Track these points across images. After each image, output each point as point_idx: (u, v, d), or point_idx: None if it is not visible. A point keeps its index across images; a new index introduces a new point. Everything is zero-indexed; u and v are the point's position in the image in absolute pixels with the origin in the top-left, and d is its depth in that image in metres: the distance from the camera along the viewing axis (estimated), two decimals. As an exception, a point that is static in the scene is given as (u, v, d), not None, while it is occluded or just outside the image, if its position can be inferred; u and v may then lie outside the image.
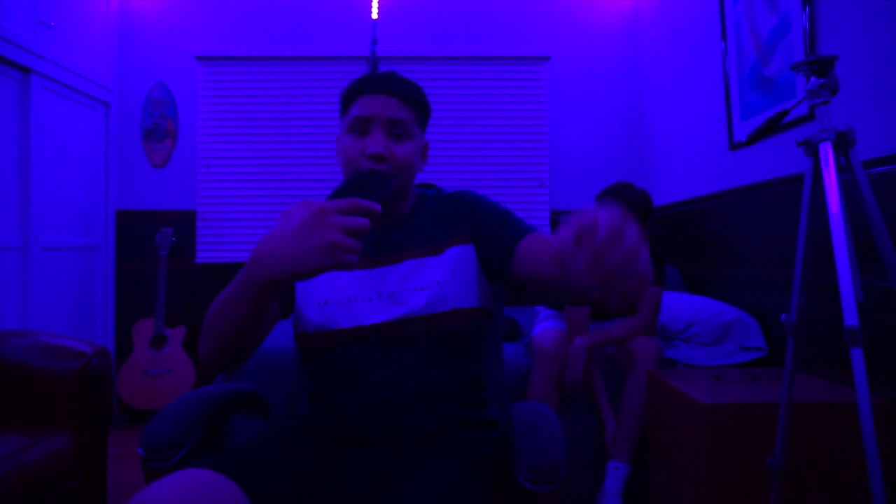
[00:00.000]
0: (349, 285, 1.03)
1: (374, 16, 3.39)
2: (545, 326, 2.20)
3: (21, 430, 1.47)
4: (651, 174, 3.29)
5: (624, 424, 1.97)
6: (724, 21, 2.42)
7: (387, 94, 1.01)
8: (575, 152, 3.46)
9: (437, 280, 1.02)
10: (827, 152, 1.17)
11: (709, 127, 2.60)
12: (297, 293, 1.05)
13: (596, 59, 3.47)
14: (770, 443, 1.36)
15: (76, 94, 3.03)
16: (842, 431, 1.42)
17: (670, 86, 3.06)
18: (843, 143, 1.18)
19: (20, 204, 2.62)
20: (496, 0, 3.47)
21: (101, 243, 3.28)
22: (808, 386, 1.61)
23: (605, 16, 3.48)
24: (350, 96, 1.04)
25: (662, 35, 3.16)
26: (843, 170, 1.19)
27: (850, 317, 1.07)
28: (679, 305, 2.25)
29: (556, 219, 3.40)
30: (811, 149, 1.23)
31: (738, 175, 2.34)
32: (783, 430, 1.29)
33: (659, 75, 3.21)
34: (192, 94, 3.42)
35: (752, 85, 2.21)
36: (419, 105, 1.05)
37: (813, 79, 1.20)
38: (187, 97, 3.43)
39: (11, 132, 2.57)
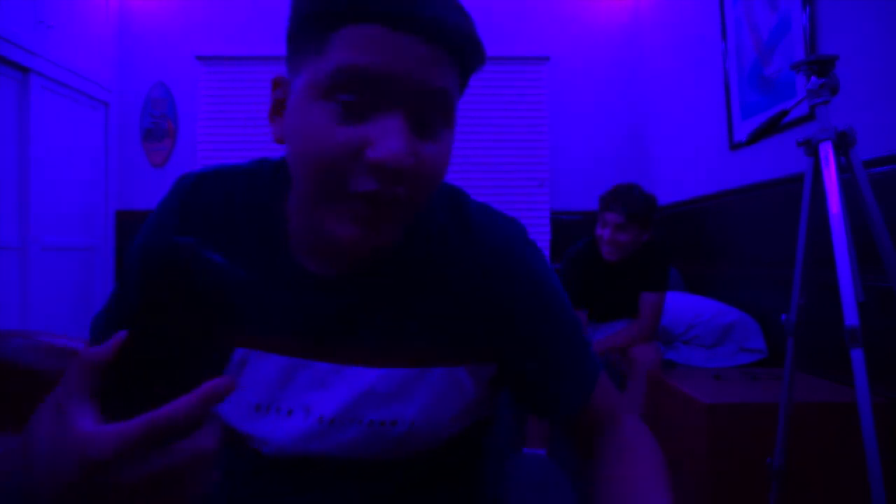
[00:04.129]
0: (266, 380, 0.58)
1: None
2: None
3: (21, 430, 1.47)
4: (651, 174, 3.29)
5: None
6: (724, 21, 2.42)
7: (429, 35, 0.47)
8: (575, 152, 3.46)
9: (413, 419, 0.58)
10: (827, 152, 1.17)
11: (709, 127, 2.60)
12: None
13: (596, 59, 3.47)
14: (770, 443, 1.36)
15: (76, 94, 3.03)
16: (842, 431, 1.42)
17: (670, 86, 3.06)
18: (843, 143, 1.18)
19: (19, 204, 2.62)
20: (496, 0, 3.47)
21: (100, 243, 3.28)
22: (808, 386, 1.61)
23: (605, 16, 3.48)
24: (338, 14, 0.47)
25: (662, 35, 3.15)
26: (844, 170, 1.19)
27: (851, 317, 1.07)
28: (680, 307, 2.25)
29: (556, 218, 3.40)
30: (811, 149, 1.23)
31: (738, 175, 2.34)
32: (783, 430, 1.29)
33: (659, 75, 3.21)
34: (192, 94, 3.42)
35: (752, 85, 2.21)
36: (470, 53, 0.51)
37: (813, 78, 1.19)
38: (187, 97, 3.43)
39: (11, 132, 2.57)
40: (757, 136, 1.37)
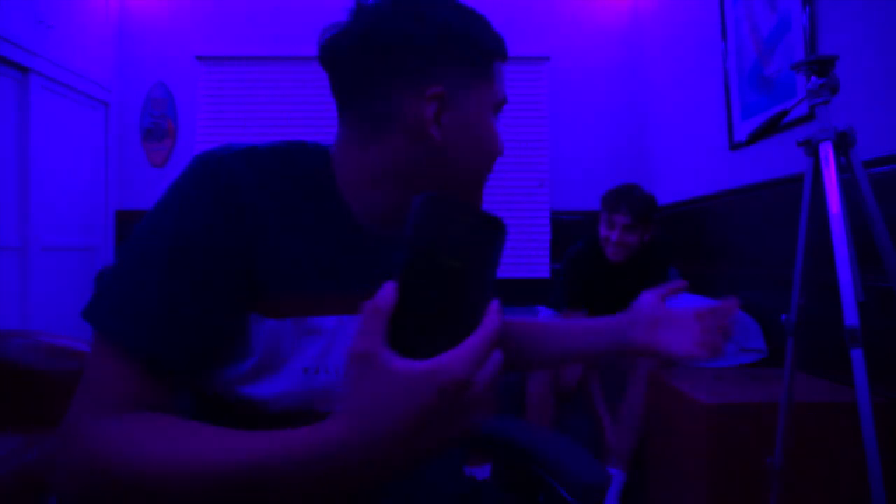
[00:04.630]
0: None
1: (374, 16, 3.38)
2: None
3: (21, 430, 1.47)
4: (651, 174, 3.29)
5: (622, 432, 1.97)
6: (724, 21, 2.42)
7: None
8: (575, 152, 3.46)
9: None
10: (827, 152, 1.17)
11: (709, 127, 2.60)
12: (259, 340, 0.59)
13: (596, 58, 3.47)
14: (770, 443, 1.36)
15: (75, 94, 3.03)
16: (842, 431, 1.42)
17: (670, 85, 3.06)
18: (843, 143, 1.18)
19: (19, 204, 2.62)
20: (496, 0, 3.47)
21: (100, 243, 3.28)
22: (808, 386, 1.60)
23: (605, 16, 3.48)
24: (490, 54, 0.67)
25: (662, 35, 3.15)
26: (844, 170, 1.19)
27: (851, 317, 1.07)
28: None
29: (556, 218, 3.40)
30: (811, 149, 1.23)
31: (738, 175, 2.34)
32: (783, 430, 1.29)
33: (659, 75, 3.21)
34: (192, 93, 3.42)
35: (753, 85, 2.21)
36: None
37: (813, 78, 1.19)
38: (187, 97, 3.43)
39: (11, 132, 2.57)
40: (757, 136, 1.37)
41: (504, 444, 0.93)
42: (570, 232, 3.34)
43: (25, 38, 2.58)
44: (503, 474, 1.00)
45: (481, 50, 0.65)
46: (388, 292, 0.43)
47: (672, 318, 0.83)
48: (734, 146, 2.36)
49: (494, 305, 0.45)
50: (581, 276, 2.15)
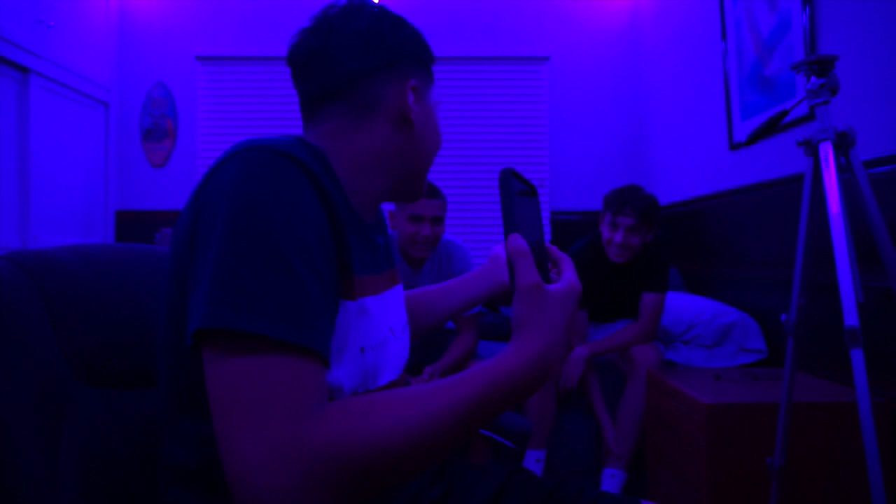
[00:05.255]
0: (379, 317, 0.69)
1: (374, 16, 3.38)
2: None
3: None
4: (651, 174, 3.29)
5: (622, 432, 1.97)
6: (724, 21, 2.42)
7: None
8: (575, 152, 3.46)
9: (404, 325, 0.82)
10: (827, 152, 1.17)
11: (709, 127, 2.60)
12: (337, 323, 0.62)
13: (596, 59, 3.47)
14: (770, 443, 1.36)
15: (75, 94, 3.03)
16: (842, 431, 1.42)
17: (670, 86, 3.06)
18: (843, 143, 1.18)
19: (20, 204, 2.62)
20: (496, 0, 3.47)
21: (100, 243, 3.28)
22: (808, 386, 1.61)
23: (605, 16, 3.48)
24: (433, 60, 0.80)
25: (662, 35, 3.16)
26: (844, 170, 1.19)
27: (851, 317, 1.07)
28: (680, 307, 2.25)
29: (556, 219, 3.40)
30: (811, 149, 1.23)
31: (738, 175, 2.34)
32: (783, 430, 1.29)
33: (659, 75, 3.21)
34: (192, 94, 3.42)
35: (752, 85, 2.21)
36: None
37: (813, 78, 1.19)
38: (187, 97, 3.43)
39: (11, 132, 2.57)
40: (757, 137, 1.37)
41: None
42: (570, 232, 3.34)
43: (25, 38, 2.58)
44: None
45: (430, 55, 0.78)
46: (520, 240, 0.57)
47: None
48: (734, 146, 2.36)
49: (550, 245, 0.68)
50: (581, 276, 2.15)
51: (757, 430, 1.43)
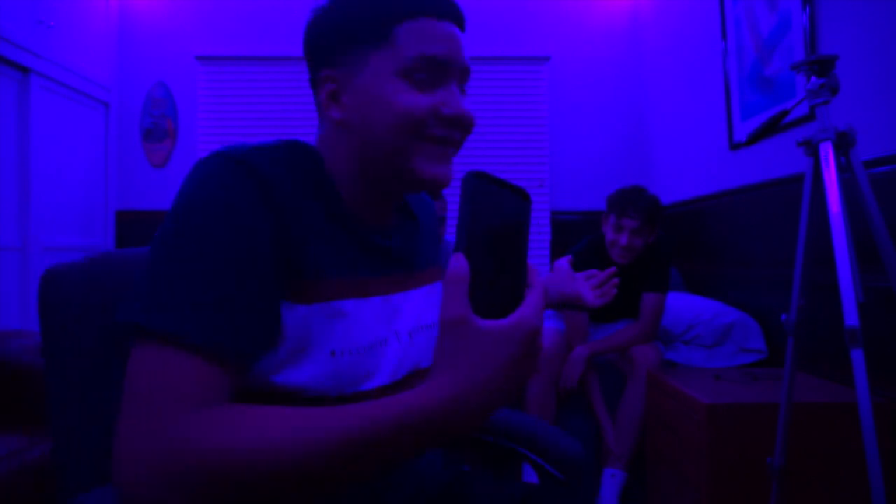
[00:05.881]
0: (370, 319, 0.67)
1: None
2: (544, 327, 2.20)
3: (21, 430, 1.47)
4: (651, 174, 3.29)
5: (622, 432, 1.97)
6: (725, 21, 2.42)
7: (458, 22, 0.69)
8: (575, 152, 3.46)
9: (434, 318, 0.78)
10: (827, 152, 1.17)
11: (709, 127, 2.60)
12: (289, 326, 0.61)
13: (596, 58, 3.47)
14: (770, 443, 1.36)
15: (76, 94, 3.03)
16: (842, 431, 1.42)
17: (670, 85, 3.06)
18: (843, 143, 1.18)
19: (20, 204, 2.62)
20: (496, 0, 3.47)
21: (100, 243, 3.28)
22: (808, 386, 1.61)
23: (605, 16, 3.48)
24: (390, 19, 0.65)
25: (662, 35, 3.16)
26: (844, 170, 1.19)
27: (851, 317, 1.07)
28: (680, 307, 2.25)
29: (556, 218, 3.40)
30: (811, 149, 1.23)
31: (738, 175, 2.34)
32: (783, 430, 1.29)
33: (659, 75, 3.21)
34: (192, 94, 3.42)
35: (753, 85, 2.21)
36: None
37: (813, 78, 1.19)
38: (187, 97, 3.43)
39: (11, 132, 2.57)
40: (757, 137, 1.37)
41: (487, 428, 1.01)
42: (570, 232, 3.34)
43: (25, 38, 2.58)
44: (485, 455, 1.05)
45: (376, 21, 0.65)
46: (461, 262, 0.49)
47: (577, 277, 1.05)
48: (734, 146, 2.36)
49: (531, 265, 0.55)
50: (581, 277, 2.15)
51: (757, 430, 1.43)
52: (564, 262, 1.07)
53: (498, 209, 0.51)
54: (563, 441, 0.91)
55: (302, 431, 0.49)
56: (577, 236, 2.42)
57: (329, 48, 0.67)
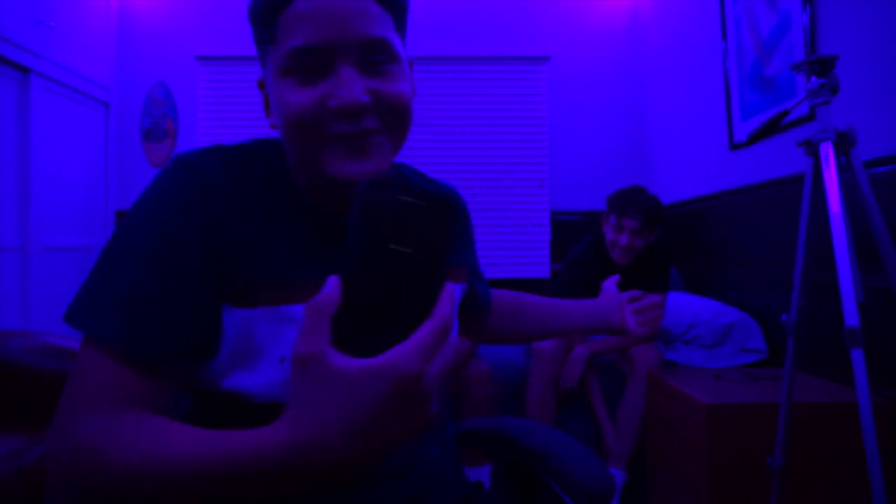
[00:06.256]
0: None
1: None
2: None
3: (21, 430, 1.47)
4: (651, 174, 3.29)
5: (622, 432, 1.97)
6: (725, 21, 2.42)
7: None
8: (575, 152, 3.46)
9: None
10: (827, 152, 1.17)
11: (709, 127, 2.60)
12: (229, 329, 0.59)
13: (596, 59, 3.47)
14: (770, 443, 1.36)
15: (76, 94, 3.03)
16: (842, 431, 1.42)
17: (670, 86, 3.06)
18: (843, 143, 1.18)
19: (20, 204, 2.62)
20: (496, 0, 3.47)
21: (100, 243, 3.28)
22: (808, 386, 1.61)
23: (605, 16, 3.48)
24: (271, 11, 0.59)
25: (662, 35, 3.15)
26: (844, 170, 1.19)
27: (851, 317, 1.07)
28: (680, 307, 2.25)
29: (556, 218, 3.40)
30: (812, 149, 1.23)
31: (738, 175, 2.34)
32: (783, 430, 1.29)
33: (659, 75, 3.21)
34: (192, 94, 3.42)
35: (753, 85, 2.21)
36: (396, 3, 0.62)
37: (813, 78, 1.19)
38: (187, 97, 3.43)
39: (11, 132, 2.57)
40: (757, 137, 1.37)
41: (506, 443, 0.92)
42: (570, 232, 3.34)
43: (25, 38, 2.58)
44: (504, 476, 0.98)
45: (263, 14, 0.60)
46: (331, 288, 0.42)
47: (623, 299, 1.01)
48: (734, 146, 2.36)
49: (447, 291, 0.43)
50: (582, 277, 2.15)
51: (757, 430, 1.43)
52: (612, 284, 1.02)
53: (401, 225, 0.42)
54: (590, 469, 0.78)
55: (170, 455, 0.48)
56: (577, 236, 2.42)
57: (258, 53, 0.64)
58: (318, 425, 0.42)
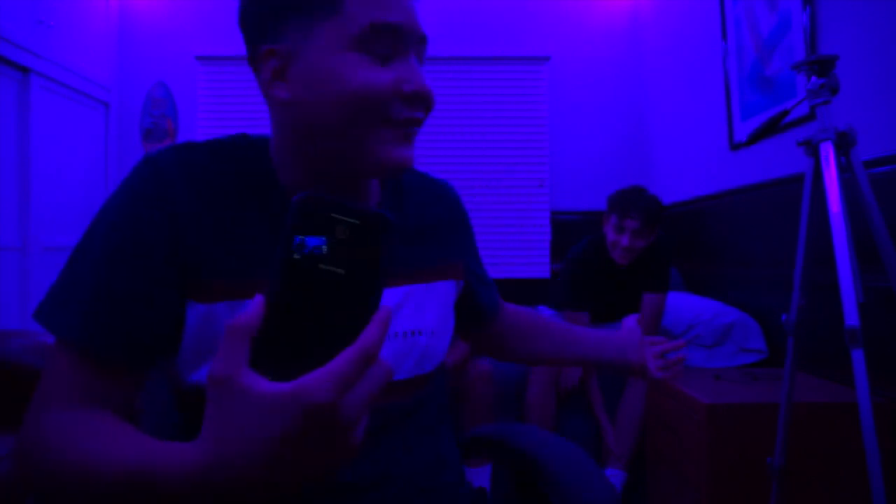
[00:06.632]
0: None
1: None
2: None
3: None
4: (651, 174, 3.29)
5: (622, 432, 1.97)
6: (725, 21, 2.42)
7: None
8: (575, 152, 3.46)
9: (432, 328, 0.70)
10: (827, 152, 1.17)
11: (709, 127, 2.60)
12: (194, 325, 0.59)
13: (596, 59, 3.47)
14: (770, 443, 1.36)
15: (76, 94, 3.03)
16: (842, 431, 1.42)
17: (670, 86, 3.06)
18: (843, 143, 1.18)
19: (20, 204, 2.62)
20: (496, 0, 3.47)
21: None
22: (808, 386, 1.61)
23: (605, 16, 3.48)
24: None
25: (663, 35, 3.15)
26: (844, 170, 1.19)
27: (851, 317, 1.07)
28: (680, 307, 2.25)
29: (556, 218, 3.40)
30: (812, 149, 1.23)
31: (738, 175, 2.34)
32: (783, 430, 1.29)
33: (659, 75, 3.21)
34: (192, 94, 3.42)
35: (753, 85, 2.21)
36: None
37: (813, 78, 1.19)
38: (187, 97, 3.43)
39: (11, 132, 2.57)
40: (757, 137, 1.37)
41: (508, 451, 0.90)
42: (570, 232, 3.34)
43: (25, 38, 2.58)
44: (505, 484, 0.97)
45: None
46: (253, 308, 0.40)
47: (646, 344, 0.96)
48: (734, 146, 2.36)
49: (380, 316, 0.41)
50: (583, 277, 2.15)
51: (757, 430, 1.43)
52: (633, 321, 0.98)
53: (333, 242, 0.40)
54: (593, 486, 0.75)
55: (103, 457, 0.49)
56: (577, 236, 2.42)
57: (269, 20, 0.60)
58: (222, 446, 0.40)
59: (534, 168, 3.40)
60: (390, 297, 0.67)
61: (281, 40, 0.59)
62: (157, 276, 0.58)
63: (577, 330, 0.98)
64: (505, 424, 1.01)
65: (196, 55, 3.37)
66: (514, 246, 3.37)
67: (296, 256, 0.39)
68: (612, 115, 3.47)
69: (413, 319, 0.68)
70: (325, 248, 0.40)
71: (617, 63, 3.47)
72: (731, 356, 2.07)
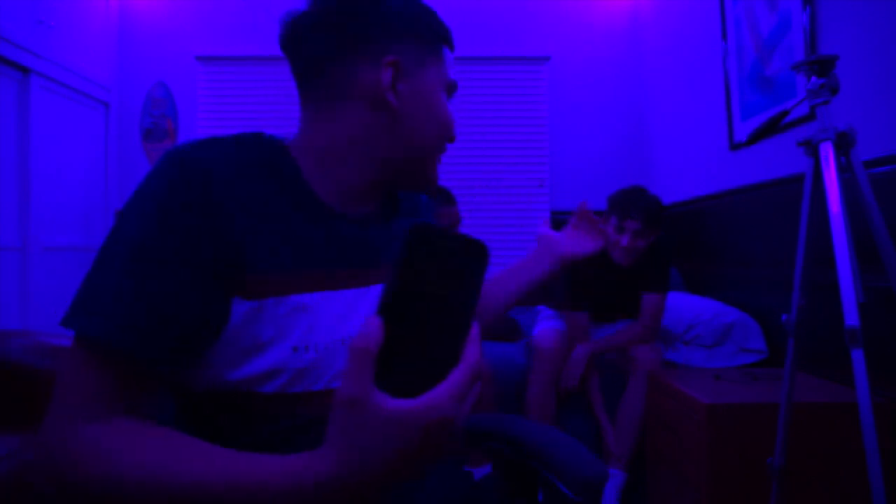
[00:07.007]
0: (348, 311, 0.65)
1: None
2: (545, 327, 2.20)
3: (21, 430, 1.46)
4: (651, 174, 3.29)
5: (622, 432, 1.97)
6: (725, 21, 2.42)
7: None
8: (575, 152, 3.46)
9: None
10: (827, 152, 1.17)
11: (709, 127, 2.60)
12: (238, 321, 0.58)
13: (596, 58, 3.47)
14: (770, 443, 1.36)
15: (76, 94, 3.03)
16: (842, 431, 1.42)
17: (670, 86, 3.06)
18: (843, 143, 1.17)
19: (20, 204, 2.62)
20: (496, 0, 3.47)
21: (100, 243, 3.28)
22: (808, 386, 1.61)
23: (605, 16, 3.48)
24: (441, 38, 0.72)
25: (663, 35, 3.15)
26: (844, 170, 1.19)
27: (851, 317, 1.07)
28: (680, 307, 2.25)
29: (556, 219, 3.40)
30: (812, 149, 1.23)
31: (738, 175, 2.34)
32: (783, 430, 1.29)
33: (659, 75, 3.21)
34: (192, 93, 3.42)
35: (753, 85, 2.21)
36: None
37: (813, 78, 1.19)
38: (187, 97, 3.43)
39: (11, 132, 2.57)
40: (757, 137, 1.37)
41: (502, 439, 0.96)
42: (570, 232, 3.33)
43: (25, 38, 2.58)
44: (502, 470, 1.00)
45: (433, 31, 0.71)
46: (374, 329, 0.42)
47: (568, 232, 1.03)
48: (734, 146, 2.36)
49: (474, 334, 0.46)
50: (583, 277, 2.15)
51: (757, 430, 1.43)
52: (544, 228, 1.02)
53: (441, 268, 0.43)
54: (582, 458, 0.84)
55: (174, 473, 0.48)
56: (577, 236, 2.41)
57: (393, 34, 0.67)
58: (358, 462, 0.44)
59: (534, 168, 3.40)
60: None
61: (401, 54, 0.67)
62: (203, 275, 0.56)
63: (503, 271, 1.00)
64: (497, 415, 1.04)
65: (196, 55, 3.37)
66: (514, 246, 3.37)
67: (412, 282, 0.43)
68: (612, 115, 3.47)
69: None
70: (437, 274, 0.43)
71: (617, 63, 3.47)
72: (731, 356, 2.06)
